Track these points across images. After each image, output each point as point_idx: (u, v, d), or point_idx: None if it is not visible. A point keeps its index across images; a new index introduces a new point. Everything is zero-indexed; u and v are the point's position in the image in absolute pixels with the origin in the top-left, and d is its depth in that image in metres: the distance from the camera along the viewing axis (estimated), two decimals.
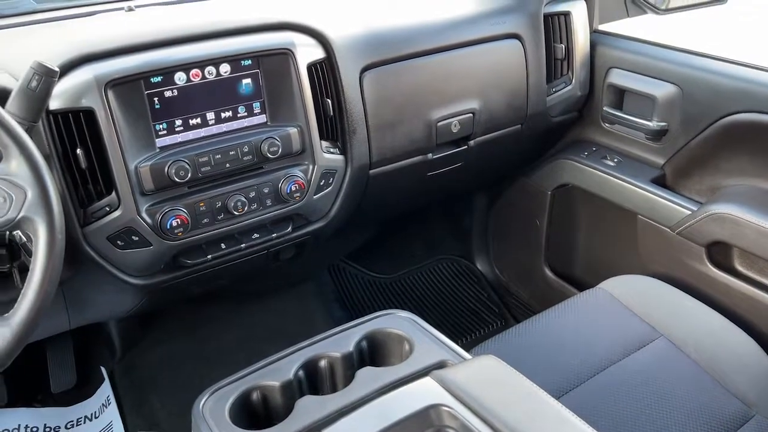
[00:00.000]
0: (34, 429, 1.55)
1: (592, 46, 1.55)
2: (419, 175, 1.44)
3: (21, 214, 0.80)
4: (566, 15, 1.51)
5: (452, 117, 1.38)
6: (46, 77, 0.86)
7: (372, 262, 2.09)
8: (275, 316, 1.84)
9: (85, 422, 1.58)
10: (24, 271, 0.97)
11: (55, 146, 0.98)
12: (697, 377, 1.11)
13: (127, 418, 1.56)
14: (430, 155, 1.41)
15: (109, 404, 1.59)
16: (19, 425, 1.55)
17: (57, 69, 0.87)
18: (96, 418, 1.58)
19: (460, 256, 2.16)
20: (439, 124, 1.37)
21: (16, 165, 0.81)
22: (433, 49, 1.34)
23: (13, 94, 0.87)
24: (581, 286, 1.72)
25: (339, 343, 0.92)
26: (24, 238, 0.92)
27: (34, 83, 0.85)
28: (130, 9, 1.31)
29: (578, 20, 1.52)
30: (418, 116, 1.35)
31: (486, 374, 0.80)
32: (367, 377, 0.85)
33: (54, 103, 0.97)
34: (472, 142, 1.45)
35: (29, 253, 0.92)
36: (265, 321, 1.82)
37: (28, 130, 0.85)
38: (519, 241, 1.92)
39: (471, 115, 1.41)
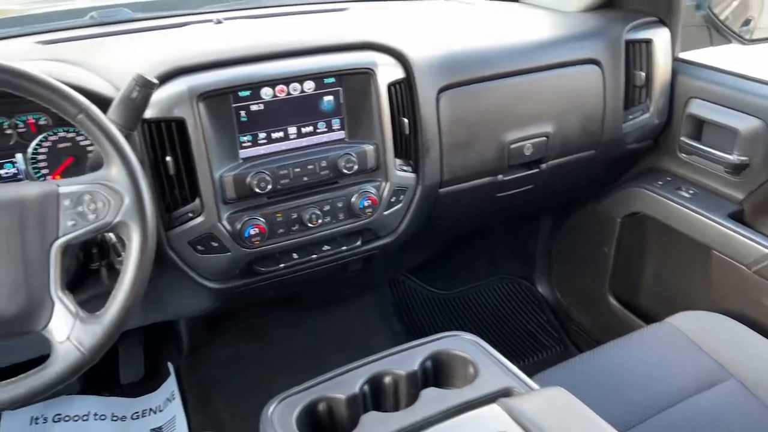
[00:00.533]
0: (102, 417, 1.62)
1: (673, 74, 1.52)
2: (488, 195, 1.45)
3: (117, 219, 0.84)
4: (648, 42, 1.49)
5: (526, 140, 1.38)
6: (145, 89, 0.91)
7: (432, 277, 2.10)
8: (337, 326, 1.86)
9: (149, 414, 1.64)
10: (111, 268, 1.03)
11: (147, 153, 1.03)
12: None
13: (191, 415, 1.61)
14: (500, 176, 1.41)
15: (173, 399, 1.64)
16: (89, 412, 1.62)
17: (157, 82, 0.92)
18: (160, 411, 1.64)
19: (521, 278, 2.14)
20: (512, 146, 1.37)
21: (116, 172, 0.85)
22: (511, 72, 1.34)
23: (114, 103, 0.92)
24: (647, 318, 1.68)
25: (404, 361, 0.93)
26: (114, 239, 0.98)
27: (134, 94, 0.90)
28: (219, 21, 1.37)
29: (660, 48, 1.50)
30: (491, 137, 1.35)
31: (554, 406, 0.80)
32: (432, 398, 0.86)
33: (148, 112, 1.01)
34: (544, 166, 1.45)
35: (118, 253, 0.98)
36: (328, 330, 1.85)
37: (126, 138, 0.90)
38: (584, 266, 1.90)
39: (545, 138, 1.40)
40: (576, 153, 1.48)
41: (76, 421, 1.60)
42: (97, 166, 0.90)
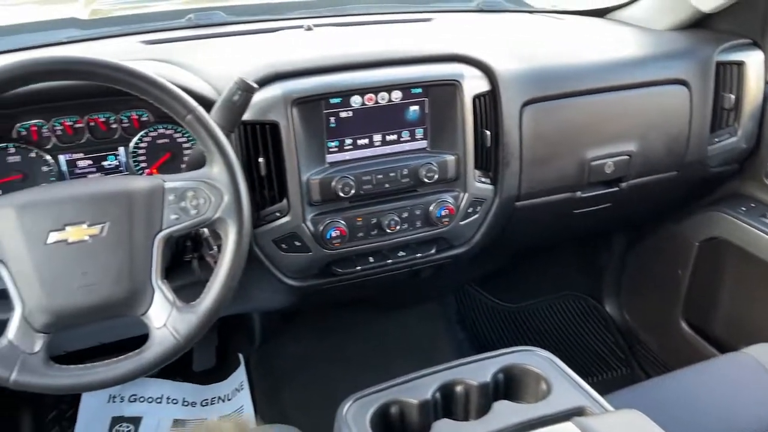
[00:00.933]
0: (174, 401, 1.69)
1: (765, 98, 1.48)
2: (565, 211, 1.44)
3: (217, 215, 0.89)
4: (740, 65, 1.45)
5: (607, 158, 1.37)
6: (246, 93, 0.95)
7: (498, 289, 2.09)
8: (403, 330, 1.89)
9: (218, 402, 1.71)
10: (202, 260, 1.08)
11: (241, 153, 1.08)
12: None
13: (258, 406, 1.66)
14: (579, 193, 1.40)
15: (242, 389, 1.70)
16: (162, 395, 1.70)
17: (257, 86, 0.96)
18: (229, 400, 1.70)
19: (588, 295, 2.11)
20: (593, 163, 1.36)
21: (218, 171, 0.90)
22: (597, 89, 1.33)
23: (217, 105, 0.96)
24: (720, 347, 1.64)
25: (476, 371, 0.94)
26: (208, 233, 1.03)
27: (236, 97, 0.95)
28: (309, 28, 1.41)
29: (752, 71, 1.46)
30: (572, 154, 1.35)
31: (630, 429, 0.80)
32: (505, 410, 0.86)
33: (245, 115, 1.05)
34: (624, 184, 1.43)
35: (210, 247, 1.03)
36: (394, 333, 1.87)
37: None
38: (656, 289, 1.86)
39: (627, 157, 1.38)
40: (657, 173, 1.46)
41: (150, 402, 1.68)
42: (196, 163, 0.96)
